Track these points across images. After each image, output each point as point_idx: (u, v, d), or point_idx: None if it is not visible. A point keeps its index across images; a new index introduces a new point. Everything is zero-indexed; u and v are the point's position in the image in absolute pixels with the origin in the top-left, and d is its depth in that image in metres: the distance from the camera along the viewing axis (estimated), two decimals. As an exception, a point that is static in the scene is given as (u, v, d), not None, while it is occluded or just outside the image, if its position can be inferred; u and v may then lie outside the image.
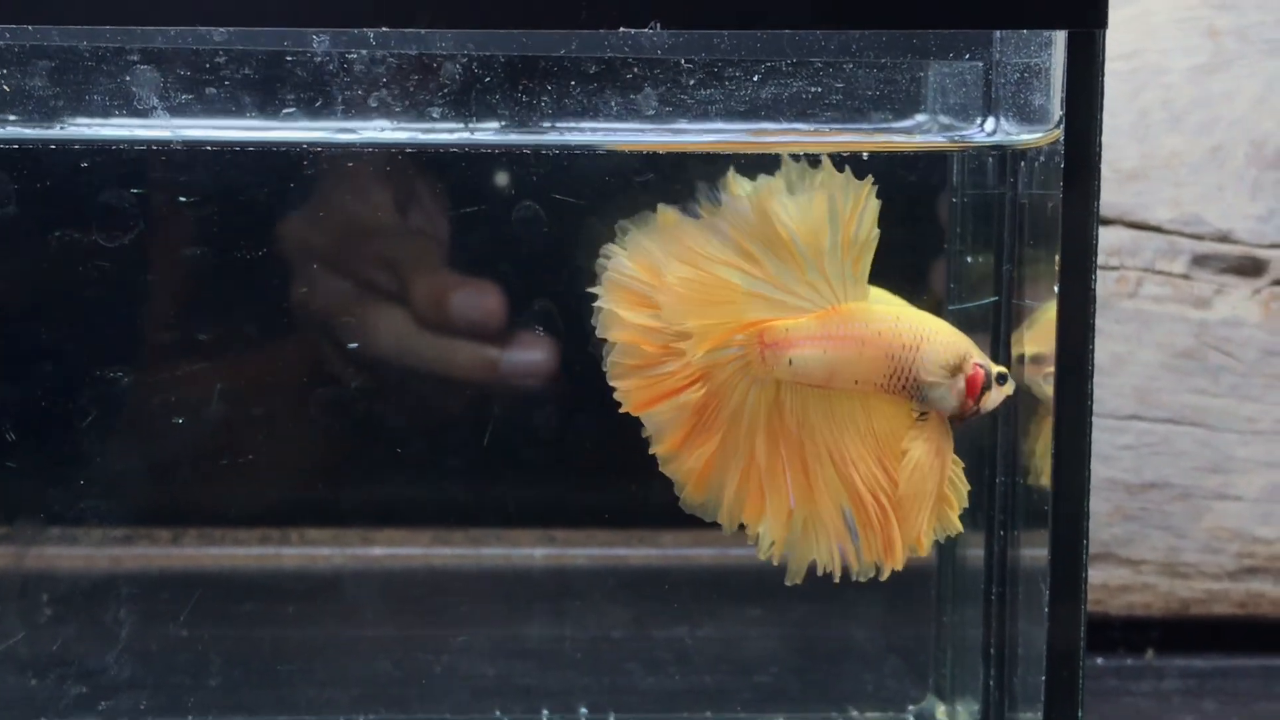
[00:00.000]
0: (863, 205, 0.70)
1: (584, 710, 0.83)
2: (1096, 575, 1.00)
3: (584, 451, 0.81)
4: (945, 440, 0.72)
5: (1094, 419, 0.92)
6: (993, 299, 0.78)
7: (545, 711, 0.82)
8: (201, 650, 0.84)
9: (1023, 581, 0.76)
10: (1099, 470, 0.98)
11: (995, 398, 0.72)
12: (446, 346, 0.82)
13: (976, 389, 0.71)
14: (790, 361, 0.70)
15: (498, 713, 0.83)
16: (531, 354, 0.82)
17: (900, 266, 0.81)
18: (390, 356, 0.82)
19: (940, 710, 0.84)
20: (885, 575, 0.71)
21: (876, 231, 0.70)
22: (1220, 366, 0.99)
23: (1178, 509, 1.00)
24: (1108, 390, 0.98)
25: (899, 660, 0.86)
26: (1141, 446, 0.99)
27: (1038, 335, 0.74)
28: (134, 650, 0.83)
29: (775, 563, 0.72)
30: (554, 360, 0.82)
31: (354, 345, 0.81)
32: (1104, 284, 0.98)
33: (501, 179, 0.81)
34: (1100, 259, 0.94)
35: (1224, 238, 1.00)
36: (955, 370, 0.71)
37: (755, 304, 0.70)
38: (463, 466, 0.84)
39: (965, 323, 0.80)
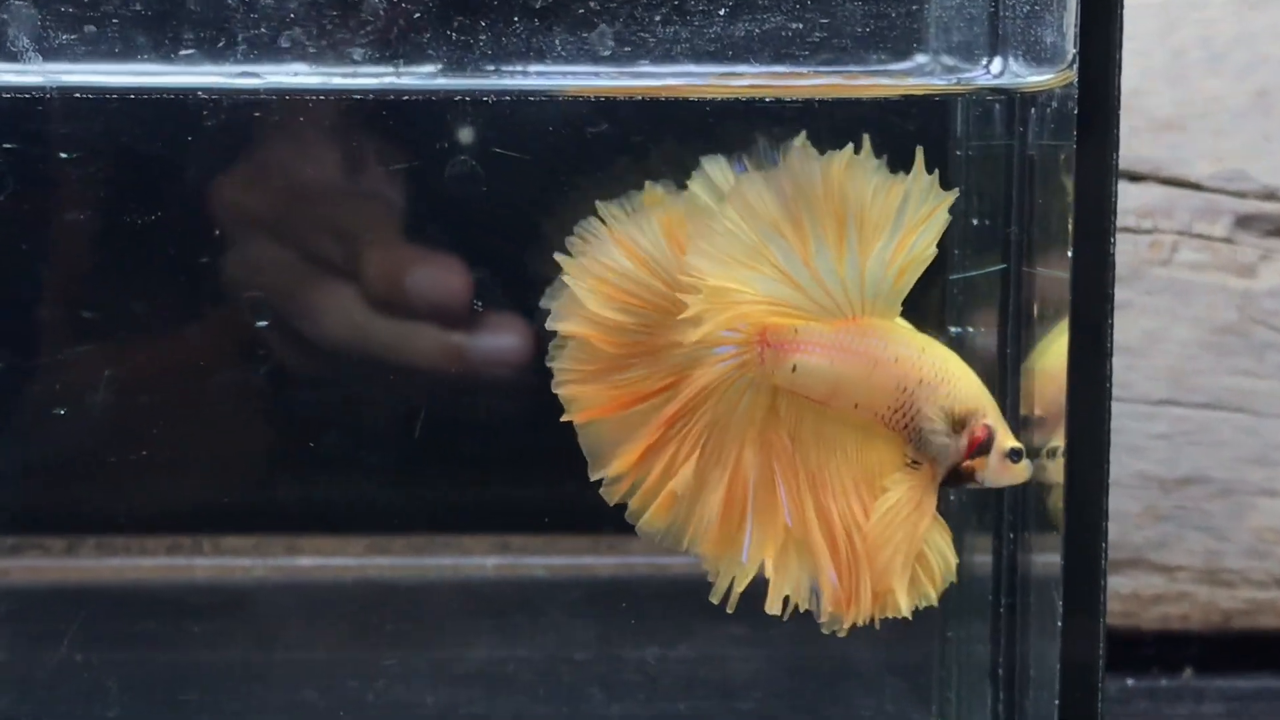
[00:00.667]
0: (933, 218, 0.70)
1: (547, 740, 0.83)
2: (1126, 584, 0.99)
3: (544, 448, 0.81)
4: (928, 496, 0.72)
5: (1123, 404, 0.93)
6: (1000, 266, 0.77)
7: None
8: (96, 677, 0.83)
9: (1034, 592, 0.76)
10: (1128, 463, 0.97)
11: (998, 470, 0.72)
12: (404, 331, 0.81)
13: (973, 447, 0.71)
14: (794, 368, 0.70)
15: (437, 743, 0.82)
16: (503, 340, 0.81)
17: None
18: (333, 342, 0.82)
19: (947, 731, 0.84)
20: (844, 628, 0.71)
21: (934, 252, 0.70)
22: (1267, 343, 0.98)
23: (1218, 507, 0.99)
24: (1138, 372, 0.97)
25: (899, 681, 0.86)
26: (1177, 435, 0.99)
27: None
28: (15, 677, 0.82)
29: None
30: (527, 347, 0.81)
31: (263, 323, 0.80)
32: (1135, 250, 0.97)
33: (440, 130, 0.80)
34: (1131, 221, 0.94)
35: (1271, 195, 0.99)
36: (963, 423, 0.71)
37: (779, 285, 0.70)
38: (404, 465, 0.83)
39: (969, 293, 0.79)
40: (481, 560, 0.86)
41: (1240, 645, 1.00)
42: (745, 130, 0.75)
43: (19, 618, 0.83)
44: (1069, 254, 0.70)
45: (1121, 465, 0.97)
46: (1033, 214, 0.76)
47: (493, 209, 0.81)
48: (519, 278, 0.80)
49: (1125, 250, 0.96)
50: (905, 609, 0.72)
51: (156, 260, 0.81)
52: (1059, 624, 0.72)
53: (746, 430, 0.71)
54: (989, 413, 0.72)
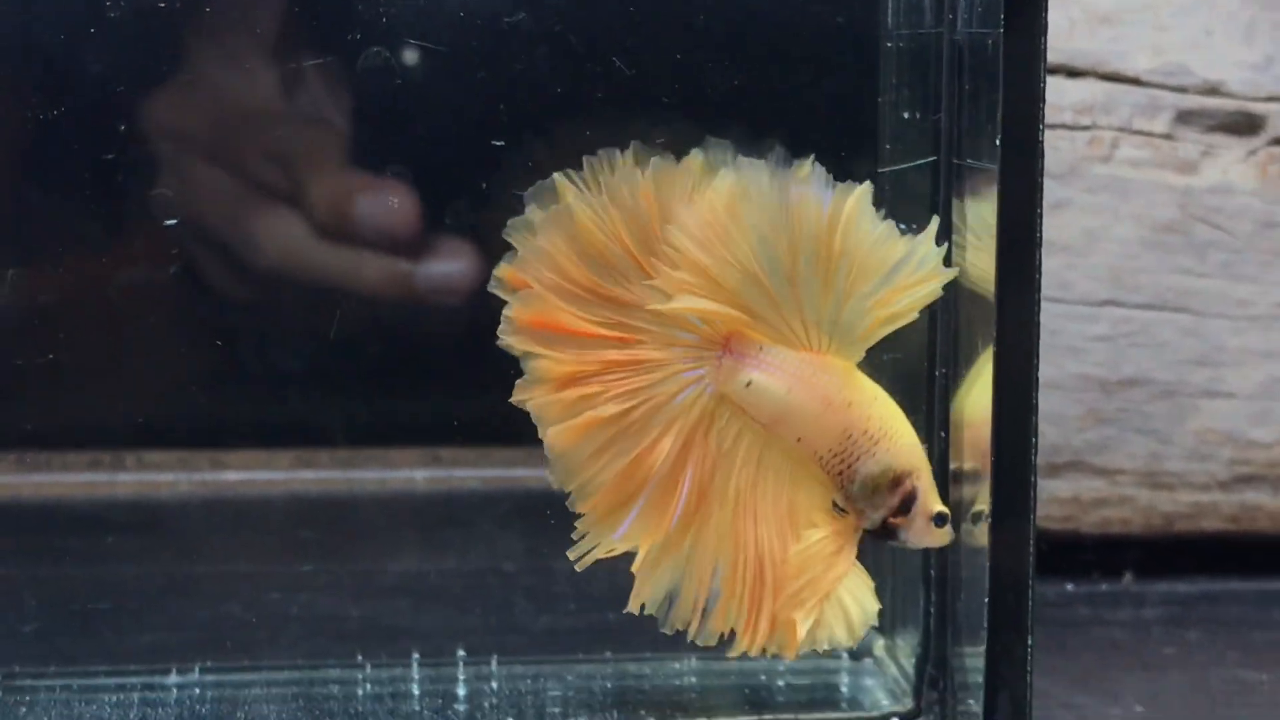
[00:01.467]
0: (926, 285, 0.70)
1: (461, 653, 0.82)
2: (1066, 488, 0.98)
3: (475, 358, 0.79)
4: (850, 544, 0.72)
5: (1063, 306, 0.92)
6: (929, 159, 0.76)
7: (416, 655, 0.81)
8: (14, 591, 0.81)
9: (965, 494, 0.75)
10: (1067, 365, 0.96)
11: (922, 531, 0.73)
12: (348, 258, 0.80)
13: (901, 506, 0.72)
14: (749, 384, 0.70)
15: (359, 657, 0.81)
16: (450, 265, 0.80)
17: (827, 122, 0.79)
18: (273, 266, 0.80)
19: (879, 645, 0.83)
20: (734, 653, 0.72)
21: (915, 316, 0.71)
22: (1209, 242, 0.97)
23: (1160, 409, 0.98)
24: (1078, 272, 0.96)
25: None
26: (1118, 337, 0.98)
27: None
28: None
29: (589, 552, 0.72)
30: (474, 272, 0.79)
31: (171, 222, 0.78)
32: (1073, 147, 0.96)
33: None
34: (1069, 117, 0.93)
35: (1213, 90, 0.98)
36: (898, 481, 0.71)
37: (756, 294, 0.69)
38: (331, 376, 0.81)
39: (899, 187, 0.78)
40: (410, 473, 0.85)
41: (1181, 549, 1.00)
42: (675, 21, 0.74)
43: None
44: (997, 143, 0.68)
45: (1061, 367, 0.96)
46: (961, 103, 0.74)
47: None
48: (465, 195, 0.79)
49: (1064, 148, 0.95)
50: (797, 646, 0.72)
51: (85, 173, 0.79)
52: (988, 529, 0.70)
53: (675, 420, 0.70)
54: (922, 474, 0.72)
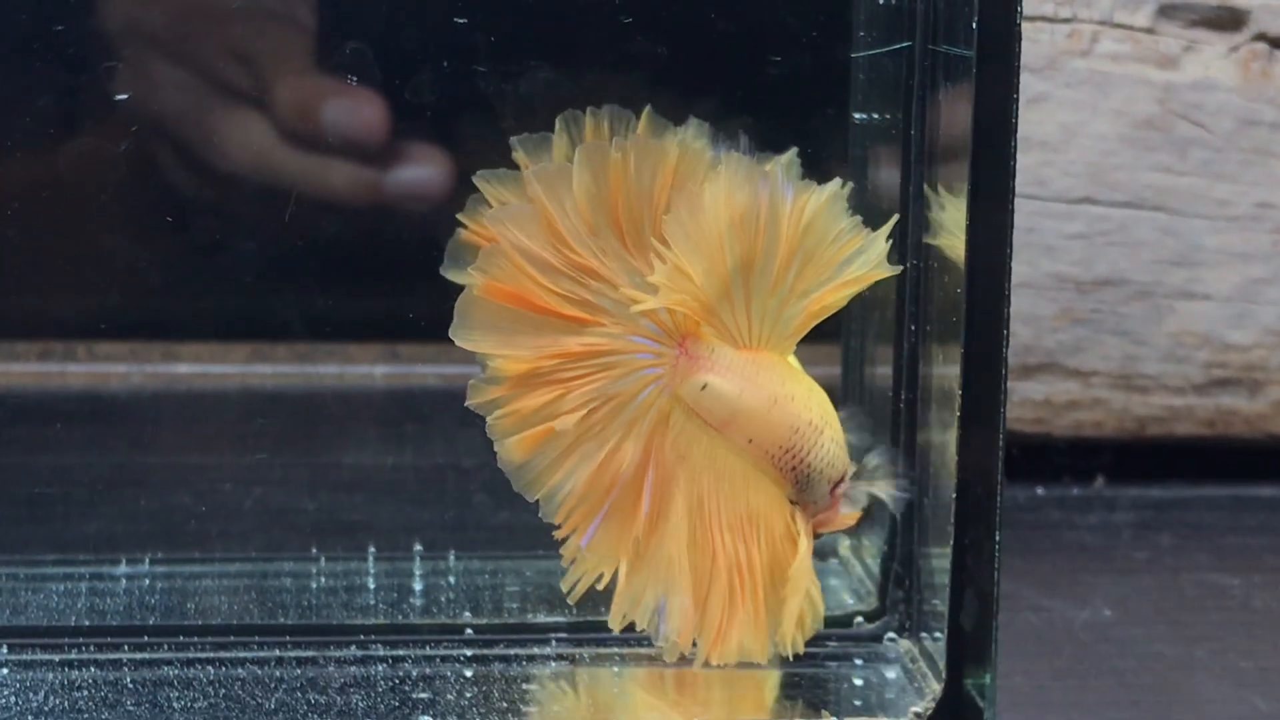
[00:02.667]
0: (867, 280, 0.69)
1: (418, 547, 0.81)
2: (1038, 389, 0.98)
3: (437, 255, 0.78)
4: (809, 541, 0.71)
5: (1039, 203, 0.91)
6: (904, 44, 0.75)
7: (371, 549, 0.80)
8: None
9: (935, 391, 0.74)
10: (1043, 264, 0.96)
11: (839, 519, 0.72)
12: (315, 165, 0.79)
13: (837, 497, 0.72)
14: (704, 387, 0.69)
15: (314, 550, 0.80)
16: (419, 171, 0.79)
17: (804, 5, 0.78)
18: (243, 169, 0.79)
19: (844, 544, 0.82)
20: (698, 664, 0.70)
21: (842, 305, 0.70)
22: (1189, 139, 0.96)
23: (1135, 310, 0.97)
24: (1055, 168, 0.96)
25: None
26: (1094, 235, 0.97)
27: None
28: None
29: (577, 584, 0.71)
30: (443, 179, 0.79)
31: (122, 96, 0.77)
32: (1053, 40, 0.95)
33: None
34: (1049, 9, 0.92)
35: (1197, -17, 0.97)
36: (843, 475, 0.71)
37: (720, 291, 0.68)
38: (289, 270, 0.80)
39: (874, 74, 0.77)
40: (369, 369, 0.84)
41: (1154, 453, 0.99)
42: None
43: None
44: (973, 26, 0.67)
45: (1036, 266, 0.95)
46: (939, -12, 0.73)
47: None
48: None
49: (1042, 41, 0.94)
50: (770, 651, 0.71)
51: (44, 67, 0.77)
52: (957, 428, 0.69)
53: (637, 423, 0.69)
54: (847, 462, 0.72)
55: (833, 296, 0.69)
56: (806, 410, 0.70)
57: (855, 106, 0.80)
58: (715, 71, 0.79)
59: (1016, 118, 0.68)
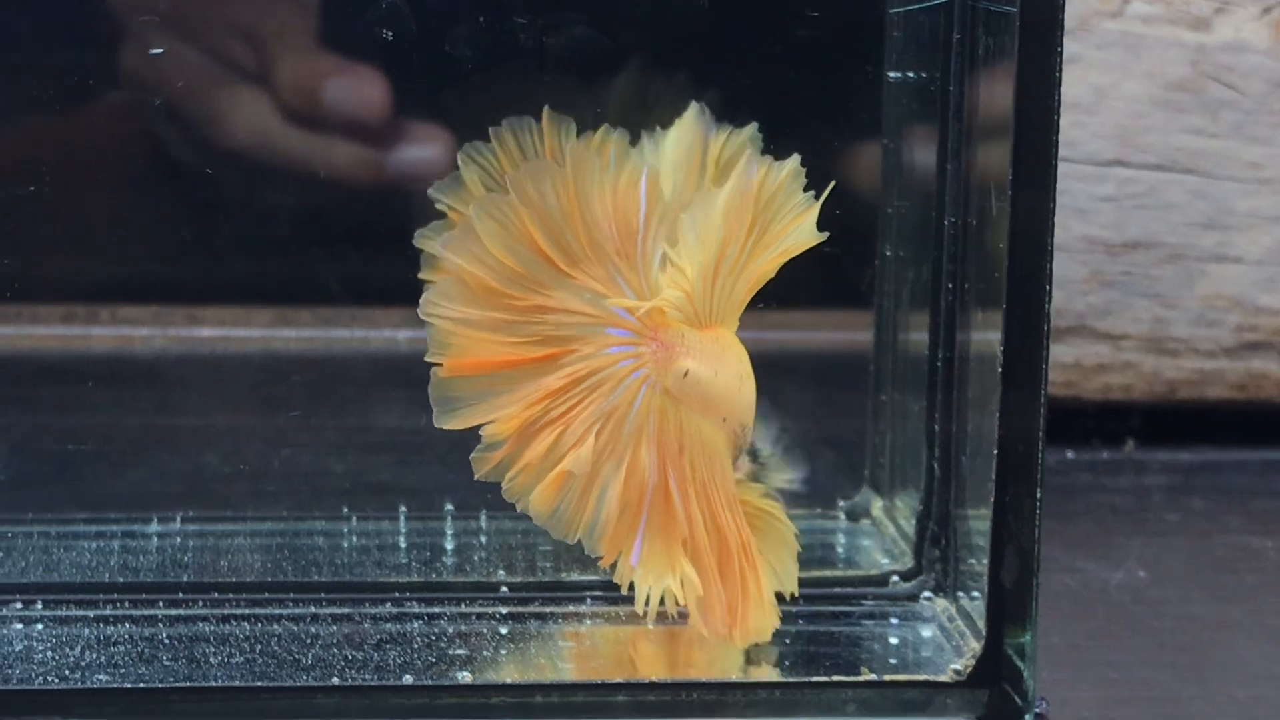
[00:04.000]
0: (798, 249, 0.69)
1: (449, 506, 0.81)
2: (1068, 352, 0.98)
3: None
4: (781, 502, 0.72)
5: (1070, 165, 0.91)
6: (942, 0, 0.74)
7: (403, 509, 0.80)
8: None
9: (974, 357, 0.74)
10: (1072, 226, 0.95)
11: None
12: (317, 145, 0.79)
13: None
14: (686, 373, 0.68)
15: (345, 509, 0.80)
16: (421, 151, 0.79)
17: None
18: (246, 148, 0.79)
19: (877, 505, 0.82)
20: (738, 642, 0.70)
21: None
22: (1221, 101, 0.96)
23: (1166, 273, 0.97)
24: (1085, 130, 0.95)
25: (829, 453, 0.84)
26: (1124, 198, 0.97)
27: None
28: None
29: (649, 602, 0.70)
30: (443, 157, 0.78)
31: (156, 51, 0.77)
32: (1084, 1, 0.94)
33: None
34: (1080, -31, 0.91)
35: (1229, -55, 0.97)
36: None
37: (701, 277, 0.68)
38: (312, 236, 0.80)
39: (910, 31, 0.77)
40: (393, 333, 0.84)
41: (1184, 417, 0.99)
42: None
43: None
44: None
45: (1067, 229, 0.95)
46: (979, -55, 0.73)
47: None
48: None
49: (1074, 1, 0.94)
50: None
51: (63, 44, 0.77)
52: (998, 381, 0.69)
53: (643, 428, 0.69)
54: None
55: (769, 266, 0.69)
56: (753, 385, 0.70)
57: (890, 65, 0.80)
58: (743, 29, 0.79)
59: (1060, 73, 0.67)
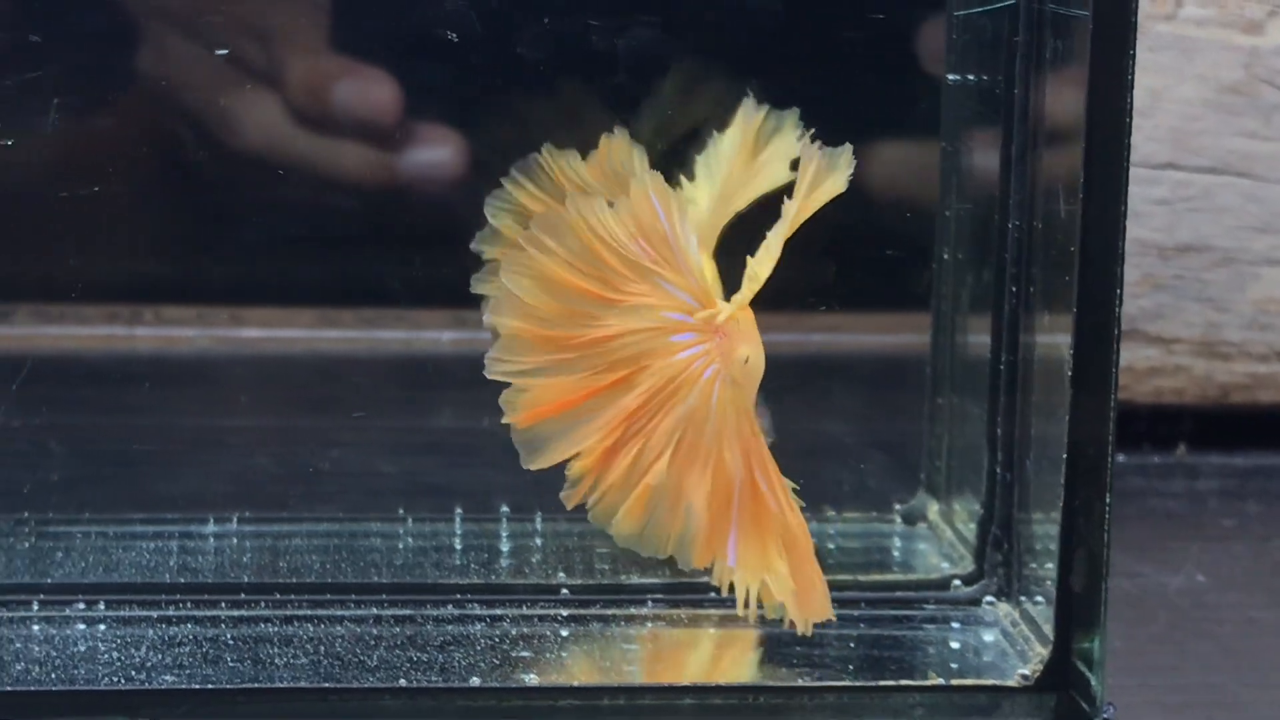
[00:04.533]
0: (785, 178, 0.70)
1: (505, 509, 0.81)
2: (1120, 356, 0.97)
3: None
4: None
5: (1121, 168, 0.90)
6: (1008, 2, 0.74)
7: (459, 510, 0.80)
8: (36, 441, 0.80)
9: (1039, 360, 0.73)
10: (1126, 230, 0.95)
11: None
12: (326, 147, 0.79)
13: None
14: (746, 359, 0.68)
15: (401, 511, 0.80)
16: (434, 153, 0.79)
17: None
18: (257, 151, 0.79)
19: (933, 508, 0.82)
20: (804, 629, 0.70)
21: None
22: (1274, 105, 0.96)
23: (1219, 276, 0.97)
24: (1139, 133, 0.95)
25: (883, 455, 0.84)
26: (1177, 201, 0.97)
27: None
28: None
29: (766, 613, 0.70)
30: (460, 157, 0.79)
31: (221, 51, 0.77)
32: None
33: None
34: (1132, -28, 0.91)
35: (1283, -52, 0.97)
36: None
37: (695, 210, 0.70)
38: (355, 237, 0.80)
39: (970, 34, 0.77)
40: (436, 334, 0.84)
41: (1237, 421, 0.99)
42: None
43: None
44: (1089, -13, 0.67)
45: (1118, 232, 0.94)
46: (1046, -53, 0.73)
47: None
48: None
49: (1129, 4, 0.93)
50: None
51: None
52: (1066, 386, 0.69)
53: (724, 427, 0.68)
54: None
55: (754, 193, 0.71)
56: None
57: (950, 67, 0.80)
58: (802, 29, 0.79)
59: (1133, 77, 0.67)
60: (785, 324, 0.83)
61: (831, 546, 0.82)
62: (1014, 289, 0.75)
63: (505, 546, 0.79)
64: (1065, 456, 0.69)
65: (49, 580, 0.75)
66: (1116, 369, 0.68)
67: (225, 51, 0.76)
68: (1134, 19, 0.67)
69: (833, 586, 0.75)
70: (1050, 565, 0.72)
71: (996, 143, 0.76)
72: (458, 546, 0.80)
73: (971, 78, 0.79)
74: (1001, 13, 0.75)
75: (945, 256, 0.81)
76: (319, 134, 0.79)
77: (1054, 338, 0.72)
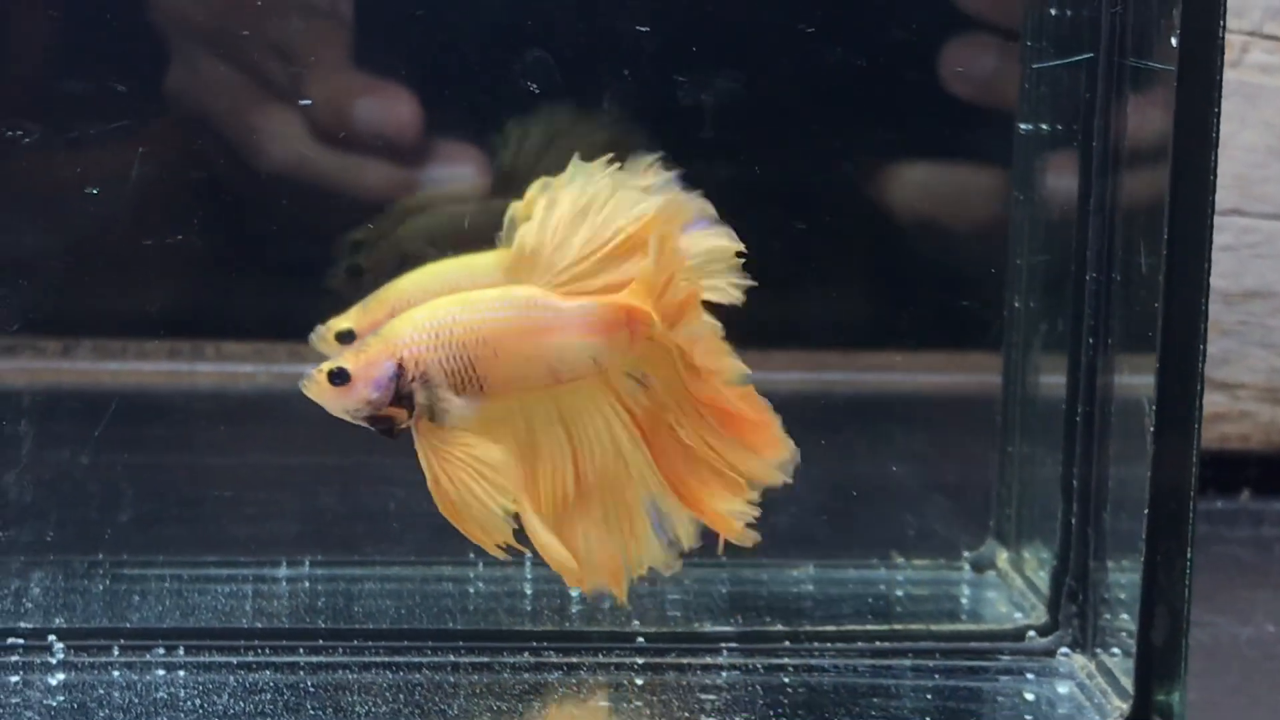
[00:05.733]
0: None
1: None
2: (1184, 401, 0.98)
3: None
4: None
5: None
6: (1086, 55, 0.74)
7: (528, 555, 0.81)
8: (104, 480, 0.81)
9: (1117, 412, 0.74)
10: (1191, 275, 0.95)
11: None
12: (348, 165, 0.79)
13: None
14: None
15: (471, 555, 0.80)
16: (458, 170, 0.79)
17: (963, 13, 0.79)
18: (276, 169, 0.79)
19: (1002, 556, 0.82)
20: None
21: None
22: (1340, 152, 0.96)
23: (1283, 323, 0.98)
24: (1204, 179, 0.95)
25: (949, 500, 0.85)
26: (1242, 247, 0.97)
27: None
28: (22, 479, 0.80)
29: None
30: (485, 176, 0.79)
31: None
32: (1203, 49, 0.94)
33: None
34: (1199, 19, 0.91)
35: (1349, -5, 0.97)
36: None
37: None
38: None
39: (1051, 86, 0.77)
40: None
41: (1302, 467, 0.99)
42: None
43: (15, 420, 0.80)
44: (1172, 41, 0.67)
45: (1183, 277, 0.95)
46: (1126, -3, 0.73)
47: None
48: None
49: (1195, 50, 0.94)
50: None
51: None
52: (1149, 436, 0.69)
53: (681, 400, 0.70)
54: None
55: None
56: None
57: (1021, 117, 0.80)
58: (870, 78, 0.80)
59: (1218, 133, 0.68)
60: (842, 362, 0.83)
61: (900, 594, 0.82)
62: (1091, 340, 0.75)
63: (575, 592, 0.80)
64: (1147, 510, 0.69)
65: (128, 625, 0.75)
66: (1200, 423, 0.69)
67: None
68: (1219, 75, 0.68)
69: (906, 636, 0.75)
70: (1126, 616, 0.73)
71: (1071, 193, 0.77)
72: (528, 591, 0.80)
73: (1045, 126, 0.79)
74: (1079, 64, 0.75)
75: (1016, 304, 0.81)
76: (394, 170, 0.79)
77: (1134, 389, 0.72)
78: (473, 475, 0.68)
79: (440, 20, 0.78)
